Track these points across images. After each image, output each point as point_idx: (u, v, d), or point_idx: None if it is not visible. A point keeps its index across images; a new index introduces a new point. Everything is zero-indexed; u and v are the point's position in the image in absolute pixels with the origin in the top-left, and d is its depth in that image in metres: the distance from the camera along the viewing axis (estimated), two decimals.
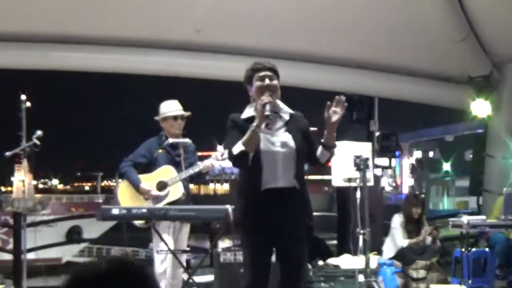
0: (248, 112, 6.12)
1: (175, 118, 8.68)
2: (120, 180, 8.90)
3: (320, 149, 6.09)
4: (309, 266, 11.38)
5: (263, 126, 5.88)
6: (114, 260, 2.33)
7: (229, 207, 7.44)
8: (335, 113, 5.98)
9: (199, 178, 8.77)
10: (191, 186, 8.97)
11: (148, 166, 8.63)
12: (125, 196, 8.61)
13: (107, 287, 2.21)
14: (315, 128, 7.07)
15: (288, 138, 6.08)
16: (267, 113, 5.84)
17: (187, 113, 8.76)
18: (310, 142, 6.18)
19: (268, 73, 6.09)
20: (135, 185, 8.51)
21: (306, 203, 6.18)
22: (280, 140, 6.06)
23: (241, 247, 6.55)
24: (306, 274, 6.51)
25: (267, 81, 6.04)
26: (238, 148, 5.95)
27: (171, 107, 8.74)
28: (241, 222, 6.22)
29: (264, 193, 5.97)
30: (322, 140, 6.09)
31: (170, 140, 8.64)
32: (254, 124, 5.84)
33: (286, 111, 6.17)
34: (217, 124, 6.37)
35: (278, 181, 6.00)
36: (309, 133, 6.21)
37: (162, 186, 8.48)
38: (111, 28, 12.63)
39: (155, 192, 8.45)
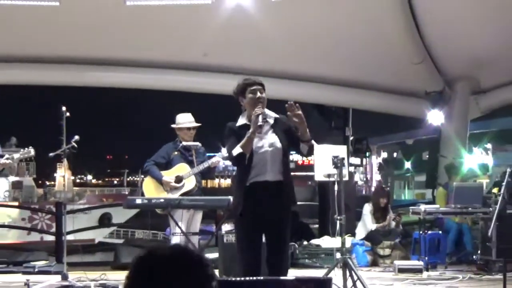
0: (241, 120, 6.11)
1: (188, 128, 8.73)
2: (142, 176, 8.90)
3: (300, 144, 6.07)
4: (296, 245, 11.38)
5: (255, 132, 5.89)
6: (179, 247, 2.29)
7: (231, 198, 7.44)
8: (294, 116, 5.93)
9: (208, 173, 8.79)
10: (202, 181, 8.97)
11: (166, 165, 8.66)
12: (149, 189, 8.65)
13: (171, 269, 2.16)
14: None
15: (275, 139, 6.06)
16: (260, 123, 5.87)
17: (198, 124, 8.79)
18: (294, 138, 6.14)
19: (259, 87, 6.10)
20: (158, 179, 8.56)
21: (290, 193, 6.15)
22: (268, 141, 6.05)
23: (236, 232, 6.51)
24: (288, 249, 6.46)
25: (258, 93, 6.04)
26: (237, 151, 5.95)
27: (185, 119, 8.77)
28: (236, 211, 6.20)
29: (255, 185, 5.97)
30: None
31: (184, 143, 8.68)
32: (250, 131, 5.87)
33: (271, 116, 6.14)
34: (221, 130, 6.34)
35: (267, 175, 6.00)
36: (292, 131, 6.17)
37: (179, 179, 8.53)
38: (136, 53, 12.64)
39: (174, 184, 8.49)
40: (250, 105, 6.04)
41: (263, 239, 6.16)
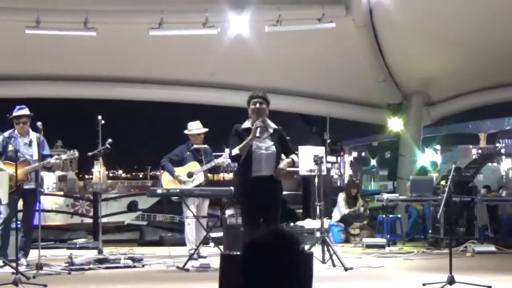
0: (246, 124, 6.18)
1: (198, 134, 8.73)
2: (162, 171, 8.91)
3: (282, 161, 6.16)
4: (284, 226, 11.36)
5: (253, 139, 5.97)
6: (280, 231, 2.32)
7: (232, 188, 7.45)
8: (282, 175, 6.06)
9: (215, 170, 8.81)
10: (209, 175, 8.98)
11: (180, 163, 8.66)
12: (167, 181, 8.65)
13: (278, 247, 2.19)
14: (287, 137, 7.06)
15: (270, 145, 6.10)
16: (258, 134, 5.95)
17: (206, 130, 8.80)
18: (285, 147, 6.20)
19: (259, 100, 6.13)
20: (171, 174, 8.56)
21: (279, 186, 6.20)
22: (265, 145, 6.09)
23: (241, 214, 6.57)
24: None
25: (257, 105, 6.08)
26: (235, 151, 6.02)
27: (195, 126, 8.79)
28: (239, 198, 6.24)
29: (253, 179, 6.01)
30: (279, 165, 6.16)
31: (195, 146, 8.67)
32: (249, 138, 5.92)
33: (271, 126, 6.20)
34: (225, 135, 6.36)
35: (262, 171, 6.02)
36: (285, 141, 6.23)
37: (190, 175, 8.53)
38: (156, 72, 12.66)
39: (184, 178, 8.48)
40: (251, 114, 6.10)
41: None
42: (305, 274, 2.26)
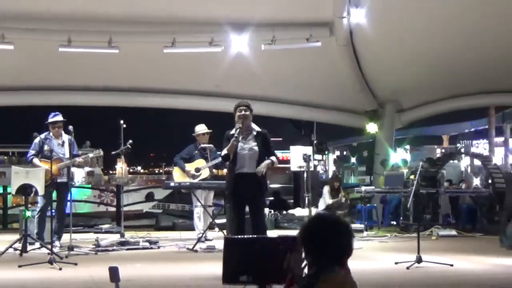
0: (233, 130, 6.08)
1: (203, 134, 8.69)
2: (174, 167, 8.89)
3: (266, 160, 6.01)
4: (278, 214, 11.35)
5: (237, 140, 5.92)
6: (333, 215, 2.43)
7: None
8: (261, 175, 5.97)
9: (219, 166, 8.77)
10: (214, 170, 8.95)
11: (189, 160, 8.63)
12: (178, 176, 8.62)
13: (334, 226, 2.28)
14: (280, 138, 7.02)
15: (253, 145, 6.04)
16: (236, 135, 5.91)
17: (210, 131, 8.77)
18: (267, 149, 6.09)
19: (244, 107, 6.06)
20: (183, 169, 8.52)
21: (261, 181, 6.04)
22: (249, 146, 6.03)
23: (226, 205, 6.47)
24: (264, 216, 6.44)
25: (242, 112, 6.03)
26: (224, 151, 6.03)
27: (201, 128, 8.74)
28: (227, 190, 6.20)
29: (236, 175, 5.97)
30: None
31: (202, 145, 8.64)
32: (232, 139, 5.90)
33: (255, 129, 6.11)
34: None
35: (245, 169, 5.98)
36: (268, 143, 6.14)
37: (197, 170, 8.49)
38: (169, 84, 12.69)
39: (193, 172, 8.46)
40: (238, 119, 6.04)
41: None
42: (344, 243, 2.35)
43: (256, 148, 6.01)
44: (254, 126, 6.11)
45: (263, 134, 6.12)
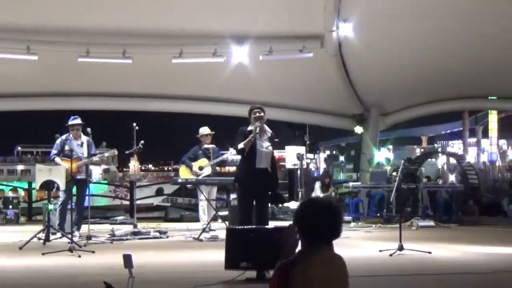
0: (250, 127, 6.13)
1: (207, 135, 8.67)
2: (181, 165, 8.87)
3: None
4: (275, 207, 11.34)
5: (254, 137, 5.96)
6: (326, 200, 2.42)
7: (234, 179, 7.39)
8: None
9: (222, 164, 8.72)
10: (217, 168, 8.92)
11: (194, 159, 8.60)
12: (184, 173, 8.60)
13: (325, 209, 2.26)
14: (277, 139, 7.04)
15: (269, 145, 6.12)
16: (257, 132, 5.97)
17: (213, 132, 8.75)
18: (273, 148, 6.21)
19: (259, 110, 6.14)
20: (190, 167, 8.50)
21: (273, 177, 6.14)
22: (265, 145, 6.10)
23: (238, 197, 6.46)
24: (268, 209, 6.46)
25: (257, 114, 6.09)
26: (240, 146, 6.03)
27: (204, 130, 8.71)
28: (242, 183, 6.19)
29: (256, 170, 5.99)
30: None
31: (205, 146, 8.62)
32: (251, 136, 5.95)
33: (269, 131, 6.20)
34: (230, 137, 6.35)
35: (262, 164, 6.01)
36: (274, 144, 6.26)
37: (201, 168, 8.46)
38: (177, 90, 12.69)
39: (197, 170, 8.44)
40: (254, 120, 6.11)
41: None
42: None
43: (270, 148, 6.14)
44: (267, 127, 6.20)
45: (273, 136, 6.24)
